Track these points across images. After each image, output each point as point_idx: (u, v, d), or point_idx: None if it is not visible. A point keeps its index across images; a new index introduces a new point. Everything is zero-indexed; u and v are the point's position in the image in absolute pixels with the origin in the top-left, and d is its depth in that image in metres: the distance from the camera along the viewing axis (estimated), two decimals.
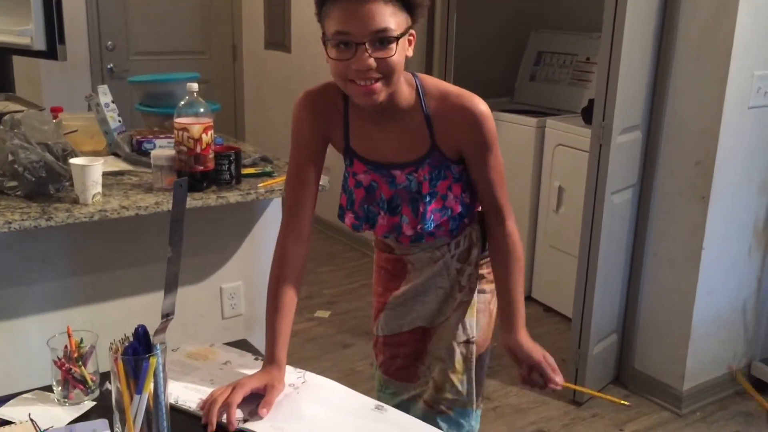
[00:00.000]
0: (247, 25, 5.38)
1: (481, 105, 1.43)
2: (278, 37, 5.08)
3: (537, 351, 1.51)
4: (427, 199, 1.49)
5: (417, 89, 1.44)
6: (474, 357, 1.59)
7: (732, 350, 2.97)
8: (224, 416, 1.27)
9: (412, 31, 1.35)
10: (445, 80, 3.79)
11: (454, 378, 1.59)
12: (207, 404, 1.29)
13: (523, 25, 4.38)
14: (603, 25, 2.56)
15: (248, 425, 1.26)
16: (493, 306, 1.63)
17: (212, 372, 1.45)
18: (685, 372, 2.82)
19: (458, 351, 1.59)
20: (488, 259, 1.60)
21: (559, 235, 3.54)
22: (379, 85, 1.31)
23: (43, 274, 2.13)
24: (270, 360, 1.42)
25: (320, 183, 1.57)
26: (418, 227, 1.51)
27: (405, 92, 1.42)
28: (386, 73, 1.31)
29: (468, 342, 1.59)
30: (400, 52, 1.31)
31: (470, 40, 4.15)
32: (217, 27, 5.28)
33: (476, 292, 1.60)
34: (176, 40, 5.10)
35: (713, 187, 2.64)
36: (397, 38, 1.29)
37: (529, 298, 3.86)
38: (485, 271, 1.62)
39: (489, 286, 1.62)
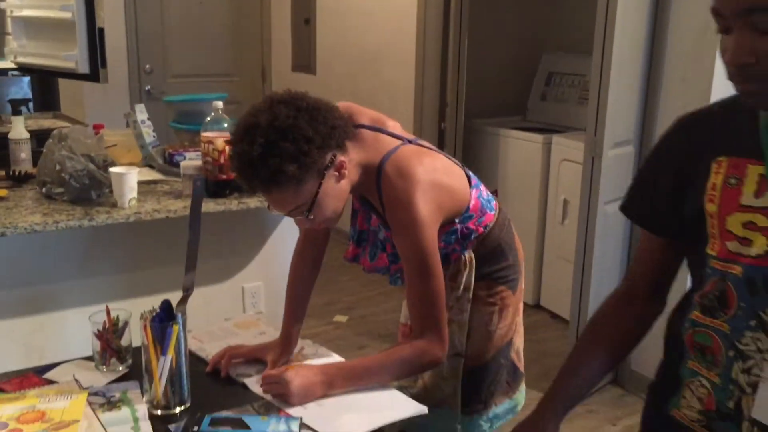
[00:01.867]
0: (275, 49, 5.69)
1: (411, 211, 1.45)
2: (304, 60, 5.37)
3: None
4: (391, 258, 1.64)
5: (377, 175, 1.52)
6: (461, 368, 1.72)
7: None
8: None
9: (340, 160, 1.43)
10: (457, 102, 4.06)
11: (442, 383, 1.73)
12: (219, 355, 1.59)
13: (535, 47, 4.61)
14: (594, 45, 2.77)
15: (247, 380, 1.53)
16: (494, 327, 1.72)
17: (247, 339, 1.71)
18: None
19: (446, 362, 1.69)
20: (488, 281, 1.71)
21: (565, 246, 3.73)
22: (324, 226, 1.55)
23: (85, 271, 2.40)
24: (282, 333, 1.67)
25: None
26: (372, 272, 1.71)
27: (365, 184, 1.54)
28: (320, 222, 1.49)
29: (456, 355, 1.71)
30: (326, 200, 1.44)
31: (484, 62, 4.39)
32: (248, 51, 5.60)
33: (468, 312, 1.70)
34: (209, 64, 5.42)
35: None
36: (311, 204, 1.43)
37: (537, 306, 4.05)
38: (483, 293, 1.71)
39: (487, 308, 1.71)
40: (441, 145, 4.19)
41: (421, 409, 1.45)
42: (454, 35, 4.02)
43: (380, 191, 1.52)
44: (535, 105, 4.54)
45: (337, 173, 1.45)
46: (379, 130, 1.59)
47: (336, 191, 1.47)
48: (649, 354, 1.28)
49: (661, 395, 1.18)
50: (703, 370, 1.08)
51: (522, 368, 1.86)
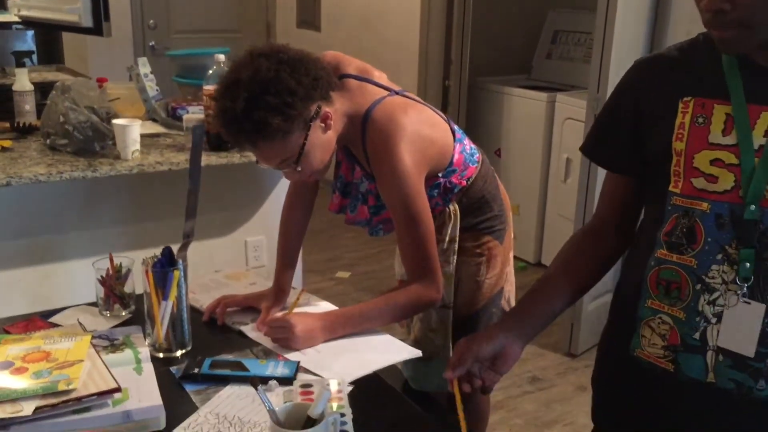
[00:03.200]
0: (280, 5, 5.65)
1: (396, 160, 1.46)
2: (309, 17, 5.33)
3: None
4: (372, 210, 1.67)
5: (363, 125, 1.54)
6: (449, 319, 1.76)
7: None
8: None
9: (325, 111, 1.44)
10: (461, 60, 4.04)
11: (432, 335, 1.78)
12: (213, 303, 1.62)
13: (541, 4, 4.56)
14: (597, 1, 2.75)
15: (244, 328, 1.56)
16: (482, 278, 1.77)
17: (238, 290, 1.73)
18: None
19: (434, 314, 1.76)
20: (474, 233, 1.74)
21: (567, 204, 3.73)
22: (313, 177, 1.54)
23: (89, 222, 2.44)
24: (274, 282, 1.70)
25: None
26: (353, 225, 1.72)
27: (349, 134, 1.55)
28: (309, 174, 1.50)
29: (444, 307, 1.75)
30: (313, 152, 1.45)
31: (490, 20, 4.35)
32: (252, 7, 5.55)
33: (454, 264, 1.73)
34: (214, 20, 5.38)
35: None
36: (298, 156, 1.43)
37: (538, 264, 4.09)
38: (470, 244, 1.74)
39: (474, 260, 1.75)
40: (445, 102, 4.18)
41: (415, 352, 1.49)
42: None
43: (365, 141, 1.54)
44: (541, 63, 4.51)
45: (323, 124, 1.46)
46: (366, 80, 1.60)
47: (323, 142, 1.47)
48: None
49: (618, 340, 1.21)
50: (665, 306, 1.12)
51: None
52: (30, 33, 4.00)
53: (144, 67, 2.75)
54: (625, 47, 2.77)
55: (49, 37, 4.34)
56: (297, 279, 2.25)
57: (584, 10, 4.24)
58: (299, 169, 1.47)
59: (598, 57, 2.80)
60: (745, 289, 1.03)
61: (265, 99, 1.36)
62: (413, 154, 1.49)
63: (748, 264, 1.03)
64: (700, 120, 1.06)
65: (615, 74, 2.76)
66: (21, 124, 2.48)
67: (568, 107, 3.76)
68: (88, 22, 3.23)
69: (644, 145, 1.15)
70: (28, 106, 2.58)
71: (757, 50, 1.03)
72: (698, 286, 1.07)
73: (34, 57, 3.69)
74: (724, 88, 1.05)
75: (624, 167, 1.22)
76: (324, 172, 1.55)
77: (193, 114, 2.52)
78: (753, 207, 1.02)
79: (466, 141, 1.73)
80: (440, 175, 1.64)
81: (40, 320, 1.57)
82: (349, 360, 1.42)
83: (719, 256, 1.05)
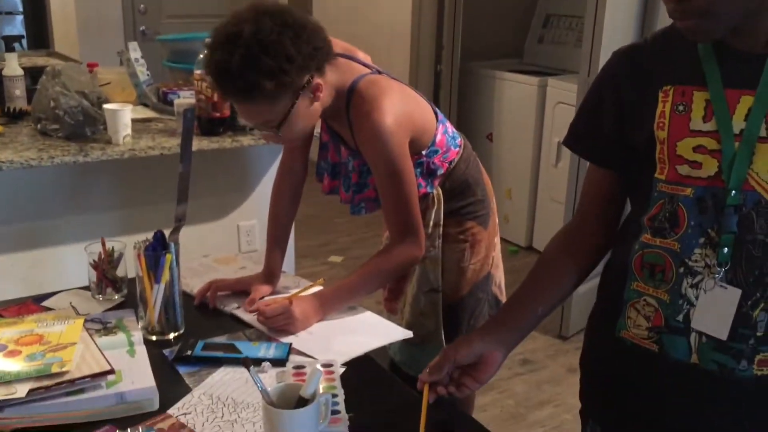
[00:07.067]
0: None
1: (379, 117, 1.47)
2: (300, 1, 5.31)
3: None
4: (355, 188, 1.67)
5: (347, 95, 1.54)
6: (439, 303, 1.77)
7: None
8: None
9: (316, 82, 1.43)
10: (453, 44, 4.02)
11: (423, 319, 1.78)
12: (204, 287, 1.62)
13: None
14: None
15: (236, 311, 1.57)
16: (466, 263, 1.77)
17: (228, 274, 1.73)
18: None
19: (423, 298, 1.77)
20: (457, 218, 1.75)
21: (558, 188, 3.74)
22: (292, 144, 1.55)
23: (81, 208, 2.43)
24: (265, 266, 1.70)
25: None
26: (348, 204, 1.72)
27: (334, 106, 1.54)
28: (288, 140, 1.52)
29: (432, 290, 1.76)
30: (296, 120, 1.44)
31: (481, 4, 4.34)
32: None
33: (440, 248, 1.74)
34: (204, 4, 5.33)
35: None
36: (281, 122, 1.43)
37: (530, 248, 4.11)
38: (454, 230, 1.74)
39: (458, 245, 1.75)
40: (437, 87, 4.18)
41: (407, 333, 1.50)
42: None
43: (349, 111, 1.54)
44: (532, 47, 4.51)
45: (312, 95, 1.45)
46: (351, 58, 1.61)
47: (308, 112, 1.47)
48: None
49: (605, 321, 1.21)
50: (650, 289, 1.12)
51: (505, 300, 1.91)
52: (19, 18, 3.97)
53: (135, 51, 2.74)
54: (616, 31, 2.78)
55: (39, 23, 4.31)
56: (289, 264, 2.24)
57: None
58: (279, 133, 1.47)
59: (589, 41, 2.80)
60: (722, 273, 1.04)
61: (262, 60, 1.32)
62: (397, 117, 1.50)
63: (726, 249, 1.03)
64: (681, 108, 1.06)
65: (606, 58, 2.76)
66: (11, 109, 2.47)
67: (559, 91, 3.76)
68: None
69: (627, 134, 1.15)
70: (18, 91, 2.57)
71: (731, 35, 1.03)
72: (681, 270, 1.08)
73: (24, 42, 3.66)
74: (701, 75, 1.05)
75: (607, 159, 1.21)
76: (300, 141, 1.58)
77: (184, 99, 2.51)
78: (734, 192, 1.02)
79: (448, 124, 1.74)
80: (423, 153, 1.64)
81: (33, 304, 1.57)
82: (342, 342, 1.44)
83: (702, 240, 1.06)
